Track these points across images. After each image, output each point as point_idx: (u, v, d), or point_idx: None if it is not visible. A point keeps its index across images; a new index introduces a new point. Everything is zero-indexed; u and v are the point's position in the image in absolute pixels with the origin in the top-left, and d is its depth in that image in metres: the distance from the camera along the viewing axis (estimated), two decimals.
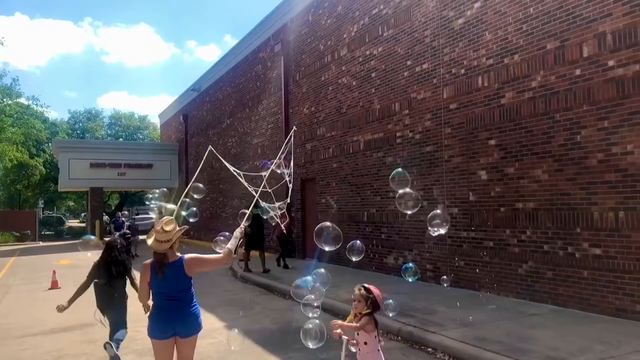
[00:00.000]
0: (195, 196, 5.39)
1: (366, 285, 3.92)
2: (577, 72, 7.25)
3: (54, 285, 12.27)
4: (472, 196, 9.01)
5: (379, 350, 3.82)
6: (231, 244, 4.08)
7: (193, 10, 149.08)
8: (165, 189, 5.48)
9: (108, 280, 5.96)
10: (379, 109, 11.63)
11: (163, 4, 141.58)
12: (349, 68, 12.82)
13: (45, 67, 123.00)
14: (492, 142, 8.60)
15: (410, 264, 5.52)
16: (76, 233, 39.15)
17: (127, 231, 18.80)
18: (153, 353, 4.07)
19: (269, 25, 17.71)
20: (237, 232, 4.15)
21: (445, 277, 7.76)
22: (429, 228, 5.06)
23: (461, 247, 9.18)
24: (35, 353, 6.60)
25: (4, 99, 25.63)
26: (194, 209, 5.41)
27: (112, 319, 6.31)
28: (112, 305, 6.14)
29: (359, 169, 12.33)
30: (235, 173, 5.67)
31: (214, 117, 23.66)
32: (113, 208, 46.07)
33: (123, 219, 21.06)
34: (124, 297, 6.17)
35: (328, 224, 4.51)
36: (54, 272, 12.57)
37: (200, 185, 5.58)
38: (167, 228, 3.95)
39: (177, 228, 4.02)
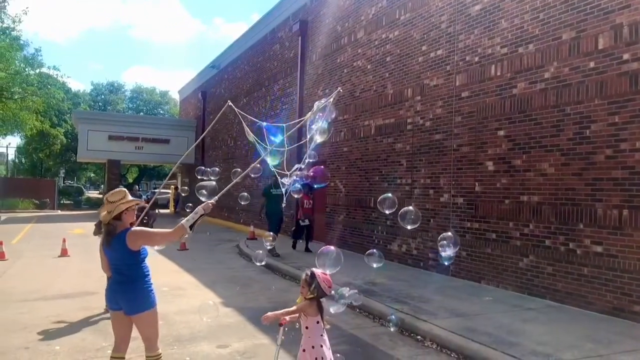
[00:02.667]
0: (252, 175, 5.27)
1: (314, 270, 3.83)
2: (591, 64, 7.04)
3: (64, 253, 12.54)
4: (478, 187, 8.89)
5: (322, 335, 3.77)
6: (187, 220, 3.85)
7: None
8: (214, 184, 5.16)
9: None
10: (391, 94, 11.50)
11: None
12: (364, 51, 12.67)
13: (75, 39, 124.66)
14: (501, 132, 8.45)
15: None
16: (94, 203, 39.83)
17: (145, 204, 18.85)
18: None
19: (289, 4, 17.56)
20: (200, 208, 3.86)
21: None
22: (439, 248, 4.87)
23: (464, 237, 9.08)
24: (33, 317, 6.76)
25: (26, 69, 26.00)
26: (245, 193, 5.50)
27: None
28: None
29: (368, 154, 12.25)
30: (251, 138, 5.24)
31: (232, 95, 23.66)
32: (131, 181, 46.73)
33: (140, 192, 21.37)
34: None
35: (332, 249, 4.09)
36: (64, 240, 12.83)
37: (258, 165, 5.16)
38: (111, 199, 3.92)
39: (125, 200, 3.94)
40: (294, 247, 13.11)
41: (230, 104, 5.21)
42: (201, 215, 3.85)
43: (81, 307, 7.38)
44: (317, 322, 3.75)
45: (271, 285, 9.21)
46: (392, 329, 5.98)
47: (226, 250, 13.97)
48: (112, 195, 3.96)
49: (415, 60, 10.73)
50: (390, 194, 4.89)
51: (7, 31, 24.23)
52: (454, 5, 9.68)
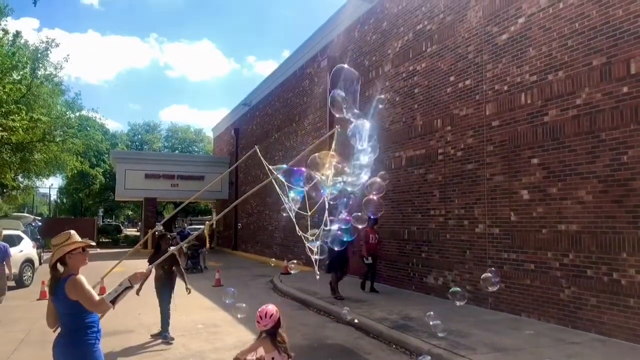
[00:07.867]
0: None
1: (266, 305, 4.03)
2: (624, 89, 6.92)
3: (102, 291, 12.72)
4: (514, 216, 8.71)
5: None
6: (108, 294, 3.40)
7: (254, 27, 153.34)
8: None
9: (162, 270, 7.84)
10: (421, 125, 11.50)
11: (225, 20, 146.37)
12: (392, 84, 12.77)
13: (112, 81, 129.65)
14: (535, 160, 8.31)
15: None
16: (131, 241, 40.61)
17: (197, 242, 18.84)
18: None
19: (317, 41, 17.94)
20: (126, 280, 3.47)
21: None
22: None
23: (502, 268, 8.86)
24: None
25: (67, 112, 27.20)
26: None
27: (160, 306, 8.01)
28: (159, 293, 8.01)
29: (400, 185, 12.20)
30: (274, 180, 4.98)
31: (263, 131, 24.08)
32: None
33: (188, 229, 21.50)
34: (168, 289, 7.97)
35: None
36: (103, 278, 13.06)
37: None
38: (54, 242, 3.60)
39: (69, 242, 3.57)
40: (362, 287, 11.75)
41: (257, 148, 5.15)
42: (126, 288, 3.45)
43: (119, 345, 7.47)
44: (272, 359, 3.88)
45: (305, 321, 9.13)
46: None
47: (260, 286, 13.97)
48: (56, 238, 3.62)
49: (444, 91, 10.74)
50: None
51: (50, 77, 25.46)
52: (480, 36, 9.71)
